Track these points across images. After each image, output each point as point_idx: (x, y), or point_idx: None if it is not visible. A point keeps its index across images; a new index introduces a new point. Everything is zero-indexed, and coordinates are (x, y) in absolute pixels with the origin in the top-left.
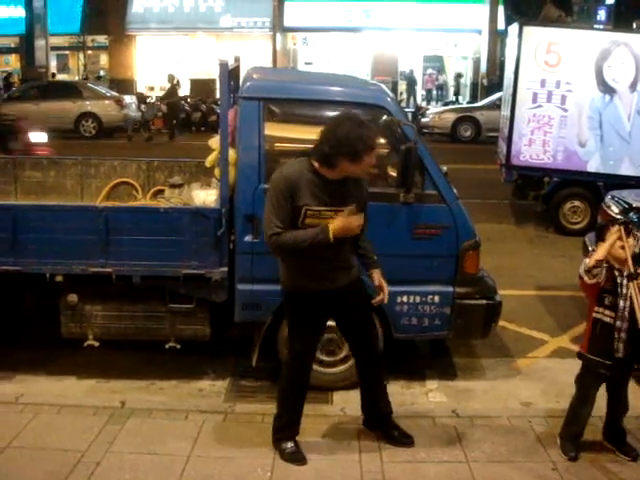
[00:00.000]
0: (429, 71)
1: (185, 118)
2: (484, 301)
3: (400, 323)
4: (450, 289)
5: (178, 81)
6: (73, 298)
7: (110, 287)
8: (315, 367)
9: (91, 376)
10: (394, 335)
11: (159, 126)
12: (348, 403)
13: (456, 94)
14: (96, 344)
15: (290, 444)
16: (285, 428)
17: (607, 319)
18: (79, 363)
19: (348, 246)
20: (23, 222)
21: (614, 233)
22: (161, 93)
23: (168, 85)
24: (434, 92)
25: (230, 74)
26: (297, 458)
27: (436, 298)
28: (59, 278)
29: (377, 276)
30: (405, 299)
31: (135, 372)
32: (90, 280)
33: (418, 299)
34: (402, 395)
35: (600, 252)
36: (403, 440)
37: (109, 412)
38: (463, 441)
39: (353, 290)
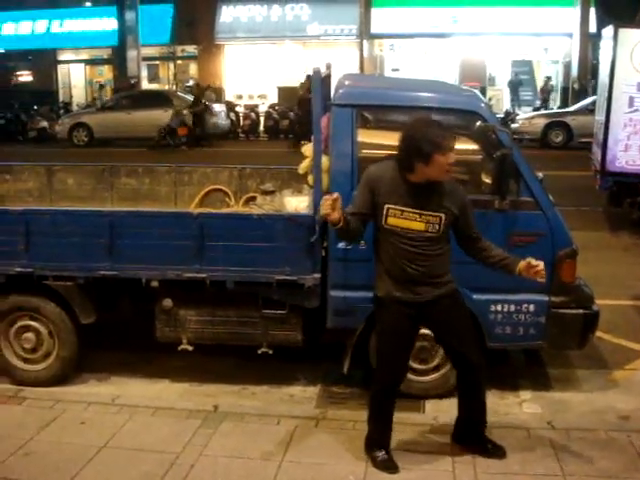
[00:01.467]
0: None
1: (273, 125)
2: (581, 310)
3: (494, 332)
4: (545, 298)
5: (206, 88)
6: (168, 303)
7: (204, 292)
8: (407, 375)
9: (185, 380)
10: (487, 344)
11: (183, 134)
12: (440, 412)
13: (545, 100)
14: (190, 348)
15: (381, 452)
16: (376, 436)
17: None
18: (173, 367)
19: (439, 261)
20: (119, 228)
21: None
22: (249, 102)
23: (255, 94)
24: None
25: (322, 82)
26: (388, 466)
27: (531, 307)
28: (154, 283)
29: (524, 264)
30: (499, 308)
31: (228, 376)
32: (185, 285)
33: (513, 308)
34: (495, 405)
35: None
36: (495, 452)
37: (203, 415)
38: (559, 454)
39: (444, 303)
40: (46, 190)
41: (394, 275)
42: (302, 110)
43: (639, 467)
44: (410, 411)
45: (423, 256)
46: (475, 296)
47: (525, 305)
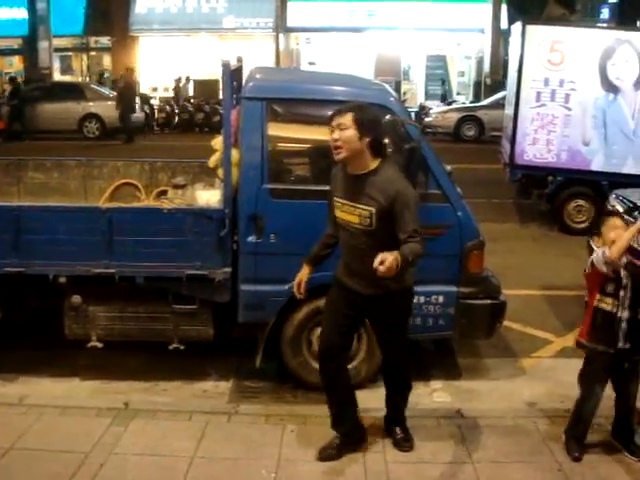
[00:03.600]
0: None
1: (188, 119)
2: (489, 301)
3: None
4: (454, 289)
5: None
6: (77, 299)
7: (113, 288)
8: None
9: (95, 377)
10: None
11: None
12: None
13: (458, 93)
14: (99, 345)
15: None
16: (332, 412)
17: (608, 307)
18: (82, 365)
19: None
20: (26, 223)
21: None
22: (164, 94)
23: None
24: None
25: (233, 74)
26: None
27: (440, 298)
28: (62, 279)
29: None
30: None
31: (139, 373)
32: (93, 281)
33: (422, 299)
34: None
35: (624, 242)
36: (402, 444)
37: (113, 413)
38: (468, 441)
39: (376, 304)
40: None
41: (343, 262)
42: (122, 103)
43: (544, 451)
44: (323, 404)
45: (359, 250)
46: None
47: (434, 296)
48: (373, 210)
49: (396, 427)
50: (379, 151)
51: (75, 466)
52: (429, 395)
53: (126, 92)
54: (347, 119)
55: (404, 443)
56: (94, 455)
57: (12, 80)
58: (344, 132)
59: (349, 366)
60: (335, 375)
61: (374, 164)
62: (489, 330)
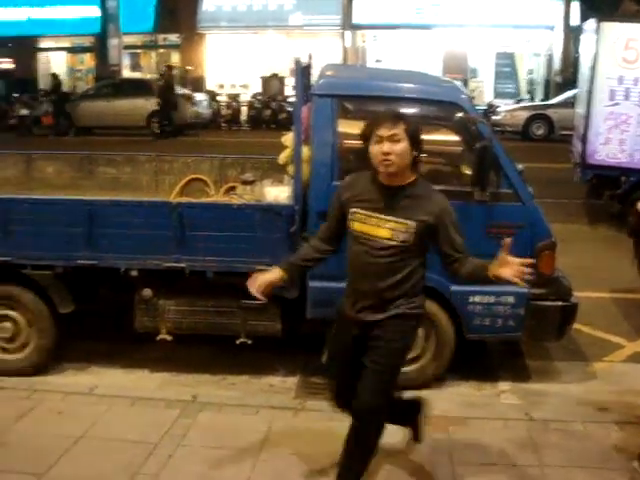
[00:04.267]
0: None
1: (255, 115)
2: (559, 302)
3: (472, 323)
4: (525, 290)
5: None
6: (147, 292)
7: (184, 282)
8: None
9: (163, 370)
10: (466, 335)
11: (48, 123)
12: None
13: (529, 92)
14: (169, 338)
15: None
16: None
17: None
18: (152, 357)
19: (400, 279)
20: (99, 217)
21: None
22: (232, 91)
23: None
24: None
25: (304, 72)
26: None
27: (510, 299)
28: (133, 273)
29: (499, 261)
30: (478, 299)
31: (207, 367)
32: (164, 275)
33: (492, 299)
34: (473, 396)
35: None
36: None
37: (181, 405)
38: (536, 445)
39: (380, 329)
40: (25, 178)
41: (350, 289)
42: (162, 99)
43: (614, 458)
44: None
45: (376, 268)
46: (453, 287)
47: (504, 297)
48: (413, 225)
49: None
50: (417, 165)
51: (144, 456)
52: (497, 396)
53: (166, 90)
54: (400, 130)
55: None
56: (163, 446)
57: (54, 77)
58: (398, 145)
59: (415, 366)
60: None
61: (411, 177)
62: (559, 332)
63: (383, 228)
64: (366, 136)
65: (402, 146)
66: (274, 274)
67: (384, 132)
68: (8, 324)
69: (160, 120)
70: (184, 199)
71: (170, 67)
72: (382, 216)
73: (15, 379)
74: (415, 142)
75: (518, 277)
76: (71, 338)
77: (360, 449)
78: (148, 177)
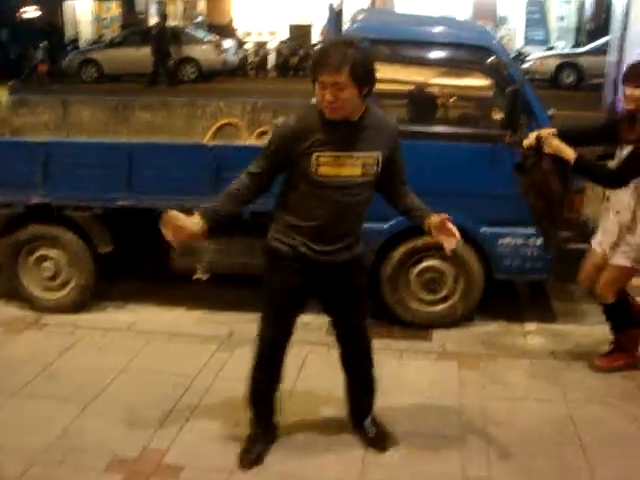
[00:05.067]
0: None
1: (283, 62)
2: (587, 245)
3: (501, 264)
4: None
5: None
6: None
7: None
8: (415, 305)
9: (199, 308)
10: (495, 275)
11: (43, 70)
12: (448, 341)
13: (557, 39)
14: (204, 277)
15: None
16: None
17: None
18: (188, 296)
19: (361, 214)
20: (137, 159)
21: None
22: (259, 38)
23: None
24: None
25: (337, 17)
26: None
27: (538, 241)
28: None
29: (437, 219)
30: (507, 241)
31: (242, 306)
32: None
33: (520, 241)
34: (500, 335)
35: None
36: (377, 444)
37: (218, 341)
38: (561, 382)
39: (348, 271)
40: (61, 123)
41: (313, 230)
42: (155, 47)
43: (637, 396)
44: (418, 339)
45: (350, 208)
46: (483, 229)
47: (532, 239)
48: (379, 155)
49: (366, 420)
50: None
51: (183, 388)
52: (523, 337)
53: (160, 38)
54: (344, 77)
55: (379, 443)
56: (201, 378)
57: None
58: (342, 92)
59: (444, 305)
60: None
61: (363, 108)
62: None
63: (354, 166)
64: (312, 77)
65: (347, 93)
66: (195, 221)
67: (326, 79)
68: (50, 264)
69: (155, 68)
70: (219, 142)
71: (164, 16)
72: (350, 153)
73: (57, 316)
74: (363, 81)
75: (450, 248)
76: (109, 278)
77: (370, 369)
78: (181, 121)
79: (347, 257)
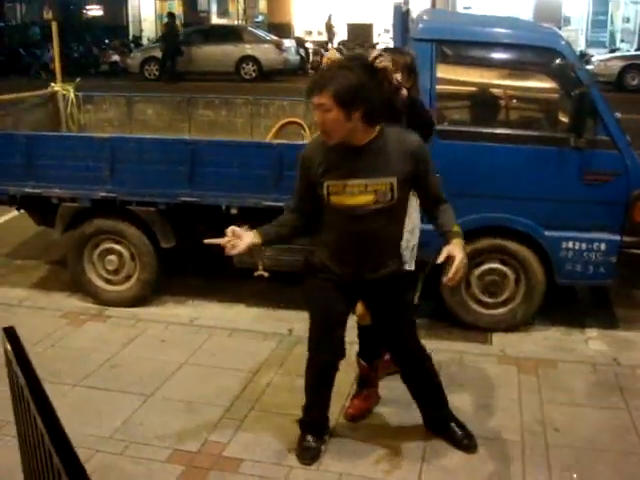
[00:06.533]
0: None
1: None
2: None
3: (564, 268)
4: (617, 237)
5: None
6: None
7: None
8: (476, 308)
9: (260, 305)
10: (557, 280)
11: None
12: (507, 345)
13: (622, 40)
14: (266, 274)
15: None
16: None
17: None
18: (248, 292)
19: (392, 236)
20: (201, 156)
21: None
22: (319, 37)
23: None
24: None
25: (403, 17)
26: (305, 456)
27: (602, 246)
28: (234, 210)
29: (449, 252)
30: (571, 245)
31: (301, 304)
32: (263, 213)
33: (584, 246)
34: (562, 341)
35: None
36: (464, 442)
37: (277, 338)
38: (624, 389)
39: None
40: (126, 119)
41: (334, 251)
42: (165, 45)
43: None
44: (478, 342)
45: (367, 235)
46: (547, 232)
47: (596, 244)
48: (394, 181)
49: (451, 423)
50: (375, 117)
51: (244, 382)
52: (584, 342)
53: (169, 36)
54: (326, 99)
55: (467, 441)
56: (261, 374)
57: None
58: (328, 114)
59: (505, 309)
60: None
61: (372, 134)
62: None
63: (366, 193)
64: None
65: (332, 115)
66: (252, 238)
67: (314, 100)
68: (113, 257)
69: (162, 65)
70: (283, 141)
71: (172, 14)
72: (358, 180)
73: (120, 309)
74: (350, 104)
75: (452, 282)
76: (172, 273)
77: (433, 381)
78: (244, 120)
79: (373, 277)
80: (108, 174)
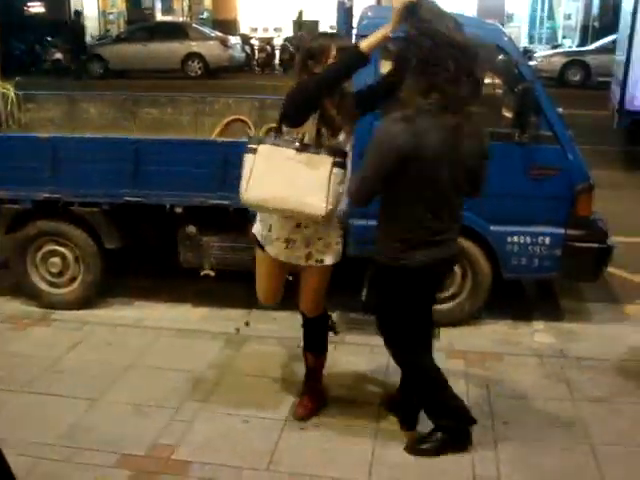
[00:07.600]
0: None
1: (288, 59)
2: (595, 244)
3: (510, 263)
4: (562, 231)
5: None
6: (192, 229)
7: (227, 219)
8: None
9: (206, 304)
10: (504, 275)
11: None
12: (455, 339)
13: (563, 37)
14: (212, 274)
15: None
16: None
17: None
18: (195, 292)
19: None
20: (145, 155)
21: None
22: (264, 35)
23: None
24: None
25: (347, 13)
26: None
27: (547, 239)
28: (178, 210)
29: None
30: (516, 239)
31: (248, 303)
32: (208, 212)
33: (529, 239)
34: (509, 334)
35: None
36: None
37: (225, 337)
38: (569, 380)
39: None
40: (68, 119)
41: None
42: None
43: None
44: None
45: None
46: (492, 227)
47: (541, 237)
48: None
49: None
50: None
51: (192, 383)
52: (531, 335)
53: (75, 33)
54: None
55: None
56: (209, 374)
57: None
58: None
59: (452, 303)
60: None
61: None
62: (594, 274)
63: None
64: None
65: None
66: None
67: None
68: (57, 259)
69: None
70: (227, 138)
71: (78, 13)
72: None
73: (65, 312)
74: None
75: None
76: (117, 274)
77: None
78: (189, 117)
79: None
80: (50, 174)
